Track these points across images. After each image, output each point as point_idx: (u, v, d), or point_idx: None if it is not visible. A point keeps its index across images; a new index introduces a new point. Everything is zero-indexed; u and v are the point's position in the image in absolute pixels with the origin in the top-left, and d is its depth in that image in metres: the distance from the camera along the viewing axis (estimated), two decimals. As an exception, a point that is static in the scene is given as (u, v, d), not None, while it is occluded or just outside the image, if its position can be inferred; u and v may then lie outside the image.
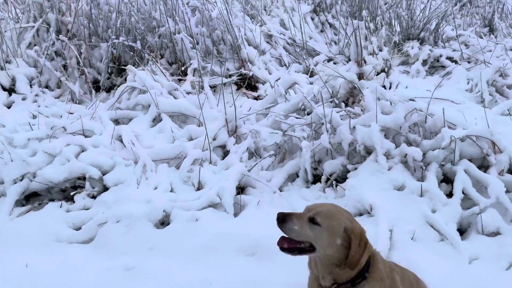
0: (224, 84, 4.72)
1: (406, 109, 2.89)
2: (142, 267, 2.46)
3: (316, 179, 3.20)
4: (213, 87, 4.86)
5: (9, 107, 4.48)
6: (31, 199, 3.12)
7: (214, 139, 3.44)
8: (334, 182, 3.00)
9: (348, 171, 3.01)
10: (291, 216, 1.69)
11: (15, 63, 4.83)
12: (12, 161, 3.03)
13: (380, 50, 5.05)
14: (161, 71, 4.39)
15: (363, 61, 3.49)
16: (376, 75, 3.64)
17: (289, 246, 1.70)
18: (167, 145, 3.38)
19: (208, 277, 2.36)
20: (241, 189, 3.17)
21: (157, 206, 2.80)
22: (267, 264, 2.43)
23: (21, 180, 3.02)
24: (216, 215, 2.86)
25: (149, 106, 3.82)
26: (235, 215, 2.89)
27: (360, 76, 3.55)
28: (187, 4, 5.44)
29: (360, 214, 2.76)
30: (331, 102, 3.49)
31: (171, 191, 3.06)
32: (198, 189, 3.12)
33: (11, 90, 4.69)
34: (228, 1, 6.09)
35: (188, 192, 3.08)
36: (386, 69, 4.93)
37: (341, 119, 3.09)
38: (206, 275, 2.37)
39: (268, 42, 6.02)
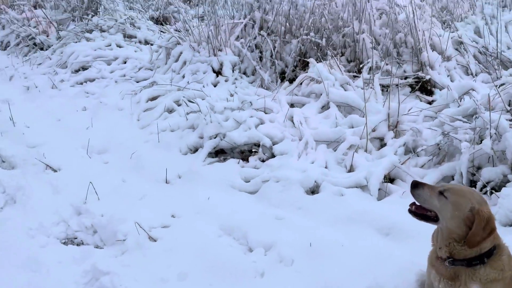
0: (397, 85, 4.84)
1: None
2: (290, 220, 2.96)
3: (472, 185, 3.13)
4: (386, 87, 5.03)
5: (215, 85, 5.62)
6: (219, 154, 3.99)
7: (374, 130, 3.69)
8: (489, 190, 2.91)
9: (508, 181, 2.87)
10: (424, 185, 1.90)
11: (224, 51, 5.99)
12: (211, 122, 3.94)
13: None
14: (338, 66, 4.81)
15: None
16: None
17: (416, 210, 1.91)
18: (329, 129, 3.80)
19: (342, 241, 2.69)
20: (390, 180, 3.36)
21: (310, 176, 3.26)
22: (398, 244, 2.62)
23: (215, 137, 3.90)
24: (361, 195, 3.15)
25: (321, 94, 4.30)
26: (379, 199, 3.13)
27: (549, 87, 3.24)
28: (376, 7, 5.72)
29: (511, 225, 2.63)
30: (507, 111, 3.31)
31: (325, 167, 3.48)
32: (349, 171, 3.44)
33: (218, 73, 5.85)
34: (421, 6, 6.10)
35: (340, 171, 3.45)
36: None
37: (511, 127, 2.94)
38: (341, 239, 2.71)
39: (456, 49, 5.80)
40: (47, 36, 7.43)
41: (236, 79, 5.74)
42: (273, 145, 3.78)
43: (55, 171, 3.67)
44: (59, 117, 4.84)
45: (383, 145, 3.69)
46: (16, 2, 9.01)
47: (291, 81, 5.71)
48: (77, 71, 6.23)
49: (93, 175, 3.51)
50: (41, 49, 7.29)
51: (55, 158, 3.79)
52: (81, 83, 5.86)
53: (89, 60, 6.24)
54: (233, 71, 5.84)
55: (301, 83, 4.85)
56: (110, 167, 3.82)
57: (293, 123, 4.00)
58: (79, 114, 4.92)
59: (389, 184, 3.23)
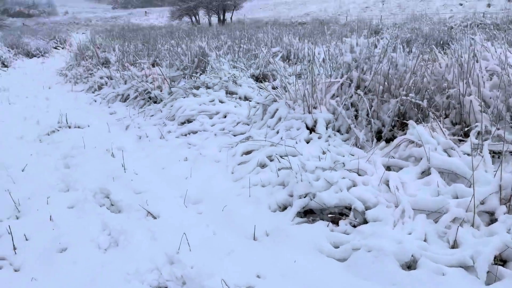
0: (511, 152, 4.37)
1: None
2: (382, 296, 2.74)
3: None
4: (498, 153, 4.57)
5: (307, 142, 5.65)
6: (308, 214, 3.92)
7: (482, 203, 3.33)
8: None
9: None
10: None
11: (319, 109, 6.05)
12: (302, 181, 3.92)
13: None
14: (441, 129, 4.53)
15: None
16: None
17: None
18: (429, 197, 3.52)
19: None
20: (502, 262, 2.95)
21: (407, 249, 3.01)
22: None
23: (305, 197, 3.86)
24: (465, 276, 2.81)
25: (421, 159, 4.05)
26: (487, 283, 2.75)
27: None
28: (485, 68, 5.36)
29: None
30: None
31: (424, 240, 3.20)
32: (453, 247, 3.11)
33: (311, 130, 5.90)
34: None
35: (441, 247, 3.13)
36: None
37: None
38: (439, 327, 2.41)
39: None
40: (161, 91, 8.30)
41: (329, 136, 5.72)
42: (366, 210, 3.61)
43: (154, 218, 3.93)
44: (164, 166, 5.26)
45: (493, 220, 3.30)
46: (138, 61, 10.33)
47: (388, 141, 5.50)
48: (182, 123, 6.80)
49: (187, 225, 3.68)
50: (155, 102, 8.14)
51: (156, 205, 4.08)
52: (185, 135, 6.36)
53: (194, 114, 6.79)
54: (326, 129, 5.85)
55: (398, 145, 4.64)
56: (203, 218, 3.98)
57: (389, 187, 3.80)
58: (181, 164, 5.29)
59: (500, 267, 2.83)
